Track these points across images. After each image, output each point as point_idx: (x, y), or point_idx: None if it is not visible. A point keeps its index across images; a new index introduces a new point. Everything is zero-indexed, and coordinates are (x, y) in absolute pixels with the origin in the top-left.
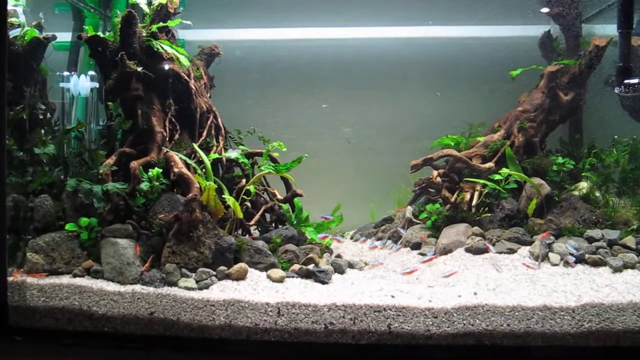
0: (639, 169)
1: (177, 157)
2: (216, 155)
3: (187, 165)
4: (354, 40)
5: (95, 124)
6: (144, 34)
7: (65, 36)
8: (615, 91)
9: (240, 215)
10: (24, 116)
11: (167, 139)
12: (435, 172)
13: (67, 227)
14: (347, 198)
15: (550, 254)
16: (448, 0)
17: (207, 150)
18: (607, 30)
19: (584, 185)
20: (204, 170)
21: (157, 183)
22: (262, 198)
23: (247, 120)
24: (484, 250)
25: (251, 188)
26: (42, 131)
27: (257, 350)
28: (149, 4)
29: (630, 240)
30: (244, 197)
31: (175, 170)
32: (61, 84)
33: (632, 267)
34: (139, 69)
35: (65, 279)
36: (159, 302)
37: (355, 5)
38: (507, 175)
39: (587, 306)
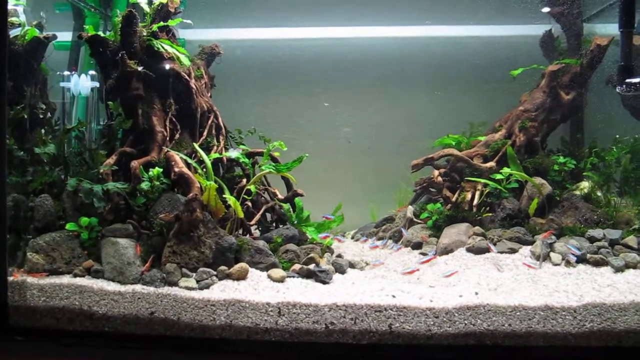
0: None
1: (177, 156)
2: (217, 155)
3: (188, 165)
4: (355, 40)
5: (95, 123)
6: (145, 34)
7: (65, 36)
8: (617, 90)
9: (241, 214)
10: (24, 116)
11: (168, 138)
12: (436, 172)
13: (68, 226)
14: (348, 198)
15: (552, 254)
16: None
17: (207, 149)
18: (608, 29)
19: (585, 184)
20: (204, 169)
21: (158, 183)
22: (262, 198)
23: (248, 119)
24: (485, 250)
25: (252, 188)
26: (43, 131)
27: (258, 350)
28: (150, 3)
29: (632, 240)
30: (244, 196)
31: (176, 169)
32: (62, 84)
33: (634, 266)
34: (140, 68)
35: (66, 279)
36: (160, 302)
37: (355, 4)
38: (508, 175)
39: (588, 306)
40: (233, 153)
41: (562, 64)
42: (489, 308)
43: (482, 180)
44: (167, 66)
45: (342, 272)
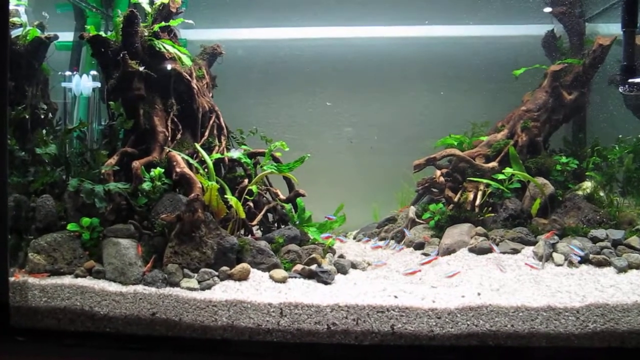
0: None
1: (179, 157)
2: (218, 155)
3: (190, 165)
4: (356, 40)
5: (97, 123)
6: (146, 34)
7: (67, 36)
8: (619, 90)
9: (243, 215)
10: (25, 116)
11: (169, 138)
12: (438, 172)
13: (69, 227)
14: (350, 198)
15: (554, 254)
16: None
17: (209, 150)
18: (611, 29)
19: (588, 184)
20: (206, 170)
21: (159, 183)
22: (264, 198)
23: (250, 119)
24: (488, 250)
25: (253, 188)
26: (44, 131)
27: (260, 351)
28: (151, 3)
29: (634, 240)
30: (246, 197)
31: (178, 170)
32: (63, 84)
33: (637, 267)
34: (141, 68)
35: (67, 279)
36: (161, 302)
37: (357, 4)
38: (510, 175)
39: (591, 307)
40: (235, 153)
41: (564, 63)
42: (491, 309)
43: (485, 181)
44: (169, 66)
45: (344, 272)
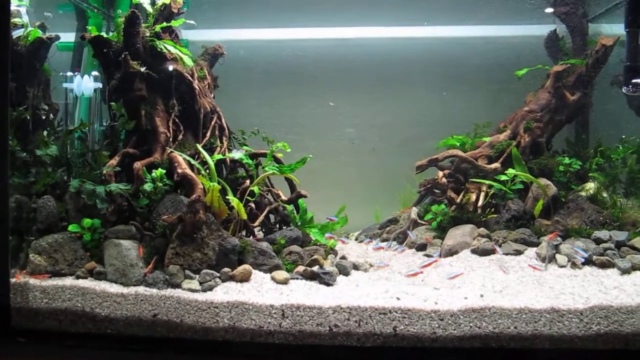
0: None
1: (180, 157)
2: (220, 156)
3: (191, 166)
4: (358, 40)
5: (98, 124)
6: (148, 34)
7: (68, 36)
8: (623, 91)
9: (244, 216)
10: (27, 117)
11: (171, 139)
12: (440, 173)
13: (70, 228)
14: (352, 199)
15: (557, 256)
16: (453, 0)
17: (210, 150)
18: (614, 29)
19: (591, 185)
20: (207, 171)
21: (161, 184)
22: (266, 199)
23: (251, 120)
24: (490, 252)
25: (255, 189)
26: (45, 132)
27: (261, 353)
28: (152, 3)
29: (638, 242)
30: (248, 198)
31: (179, 171)
32: (64, 85)
33: None
34: (143, 69)
35: (68, 281)
36: (163, 303)
37: (359, 4)
38: (513, 176)
39: (595, 308)
40: (236, 154)
41: (567, 64)
42: (494, 310)
43: (487, 182)
44: (170, 67)
45: (346, 274)
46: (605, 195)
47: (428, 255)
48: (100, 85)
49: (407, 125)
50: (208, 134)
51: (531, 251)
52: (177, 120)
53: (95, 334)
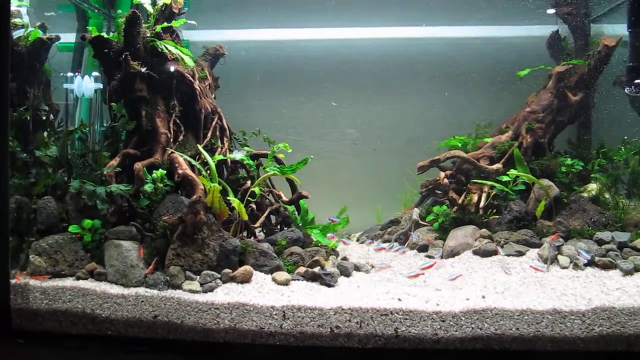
0: None
1: (181, 158)
2: (221, 157)
3: (192, 167)
4: (359, 41)
5: (99, 125)
6: (148, 35)
7: (69, 37)
8: (625, 91)
9: (245, 217)
10: (27, 117)
11: (172, 140)
12: (442, 174)
13: (71, 229)
14: (353, 200)
15: (560, 257)
16: (455, 0)
17: (211, 151)
18: (616, 29)
19: (593, 186)
20: (208, 171)
21: (161, 184)
22: (267, 200)
23: (252, 121)
24: (492, 253)
25: (256, 190)
26: (45, 133)
27: (262, 354)
28: (153, 4)
29: None
30: (249, 198)
31: (180, 171)
32: (65, 85)
33: None
34: (143, 69)
35: (69, 282)
36: (163, 305)
37: (361, 5)
38: (515, 177)
39: (597, 310)
40: (237, 155)
41: (569, 64)
42: (496, 312)
43: (489, 182)
44: (171, 67)
45: (348, 275)
46: (607, 196)
47: (430, 257)
48: (100, 85)
49: (408, 126)
50: (209, 135)
51: (533, 252)
52: (177, 120)
53: (95, 336)
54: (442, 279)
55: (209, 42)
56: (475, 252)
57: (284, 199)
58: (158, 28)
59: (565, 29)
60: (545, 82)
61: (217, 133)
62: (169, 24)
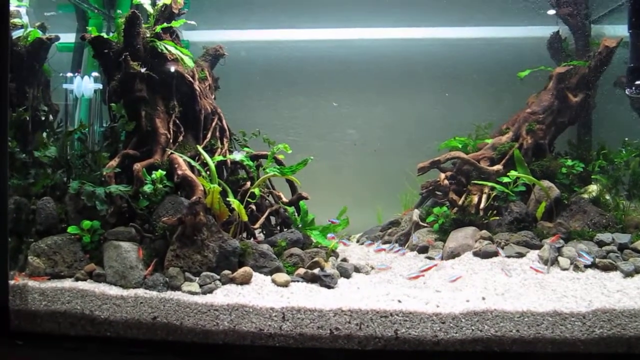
0: None
1: (181, 159)
2: (221, 158)
3: (191, 168)
4: (360, 42)
5: (98, 125)
6: (148, 35)
7: (69, 37)
8: (626, 92)
9: (245, 218)
10: (26, 118)
11: (171, 140)
12: (442, 175)
13: (70, 229)
14: (353, 201)
15: (560, 258)
16: (455, 1)
17: (211, 152)
18: (617, 30)
19: (593, 188)
20: (208, 172)
21: (161, 185)
22: (267, 201)
23: (252, 121)
24: (493, 254)
25: (256, 191)
26: (45, 133)
27: (262, 356)
28: (153, 4)
29: None
30: (248, 199)
31: (179, 172)
32: (64, 85)
33: None
34: (143, 70)
35: (67, 283)
36: (162, 306)
37: (361, 6)
38: (515, 178)
39: (598, 312)
40: (237, 155)
41: (570, 65)
42: (496, 313)
43: (489, 184)
44: (171, 68)
45: (347, 276)
46: (608, 197)
47: (430, 258)
48: (100, 86)
49: (409, 127)
50: (209, 135)
51: (533, 254)
52: (177, 121)
53: (94, 337)
54: (442, 281)
55: (209, 42)
56: (476, 254)
57: (284, 200)
58: (158, 28)
59: (566, 30)
60: (546, 83)
61: (217, 134)
62: (169, 25)
